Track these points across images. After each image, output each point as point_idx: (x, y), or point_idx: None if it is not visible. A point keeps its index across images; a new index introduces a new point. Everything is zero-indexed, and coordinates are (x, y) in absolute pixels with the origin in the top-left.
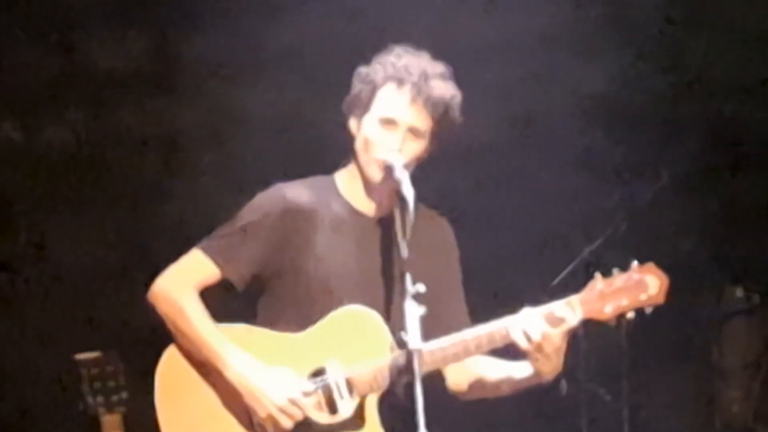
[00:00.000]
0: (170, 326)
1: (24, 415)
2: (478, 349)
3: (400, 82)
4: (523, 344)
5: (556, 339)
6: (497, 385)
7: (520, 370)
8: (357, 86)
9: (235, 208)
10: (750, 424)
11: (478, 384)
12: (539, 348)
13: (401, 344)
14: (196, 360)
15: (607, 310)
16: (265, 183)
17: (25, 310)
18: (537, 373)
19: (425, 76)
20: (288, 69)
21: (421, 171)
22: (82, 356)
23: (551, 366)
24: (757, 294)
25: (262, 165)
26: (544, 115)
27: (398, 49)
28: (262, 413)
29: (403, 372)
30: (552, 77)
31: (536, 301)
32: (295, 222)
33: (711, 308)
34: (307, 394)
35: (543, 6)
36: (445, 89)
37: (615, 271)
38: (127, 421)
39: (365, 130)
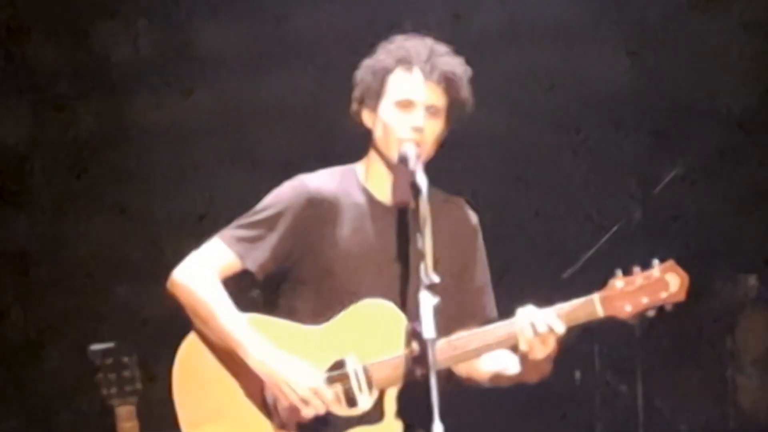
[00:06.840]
0: (191, 314)
1: (38, 405)
2: (489, 350)
3: (410, 63)
4: (529, 334)
5: (549, 343)
6: (488, 377)
7: (510, 365)
8: (366, 78)
9: (252, 199)
10: (765, 413)
11: (473, 374)
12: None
13: (415, 335)
14: (217, 347)
15: (628, 309)
16: (284, 174)
17: (39, 301)
18: (523, 374)
19: (433, 54)
20: (307, 59)
21: (433, 162)
22: (96, 347)
23: (538, 373)
24: None
25: (280, 156)
26: (556, 105)
27: (400, 37)
28: (284, 402)
29: (418, 363)
30: (565, 67)
31: (549, 290)
32: (317, 212)
33: (725, 298)
34: (329, 385)
35: None
36: (456, 63)
37: (636, 269)
38: (140, 412)
39: (383, 116)
